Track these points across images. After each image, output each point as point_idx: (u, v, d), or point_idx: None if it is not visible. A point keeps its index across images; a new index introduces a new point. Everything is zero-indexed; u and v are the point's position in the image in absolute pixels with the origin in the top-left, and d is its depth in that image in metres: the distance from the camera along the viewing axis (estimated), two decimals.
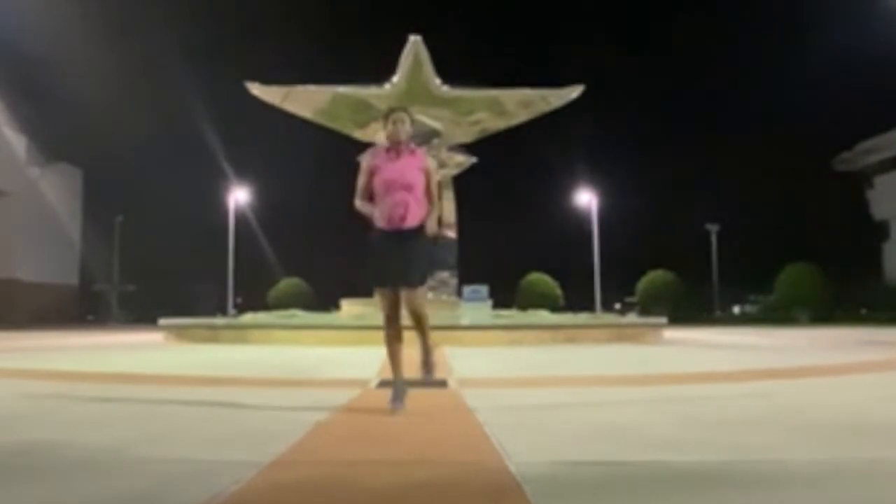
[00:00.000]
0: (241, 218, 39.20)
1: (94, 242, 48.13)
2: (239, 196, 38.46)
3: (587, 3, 71.83)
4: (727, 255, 45.04)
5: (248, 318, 16.95)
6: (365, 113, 18.74)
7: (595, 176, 43.02)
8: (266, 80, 19.25)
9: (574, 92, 19.40)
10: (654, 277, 42.53)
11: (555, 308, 30.61)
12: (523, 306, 26.82)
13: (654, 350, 11.38)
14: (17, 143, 43.36)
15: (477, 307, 18.65)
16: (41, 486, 2.42)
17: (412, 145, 4.19)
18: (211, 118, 43.49)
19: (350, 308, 16.13)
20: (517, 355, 9.55)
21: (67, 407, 4.49)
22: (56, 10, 35.69)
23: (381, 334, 4.18)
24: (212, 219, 39.88)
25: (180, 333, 14.63)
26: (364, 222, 4.16)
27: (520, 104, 19.65)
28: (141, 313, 42.05)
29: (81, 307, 50.36)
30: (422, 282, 4.06)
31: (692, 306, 41.44)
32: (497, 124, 20.13)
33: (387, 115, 4.21)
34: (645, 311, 37.34)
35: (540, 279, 43.04)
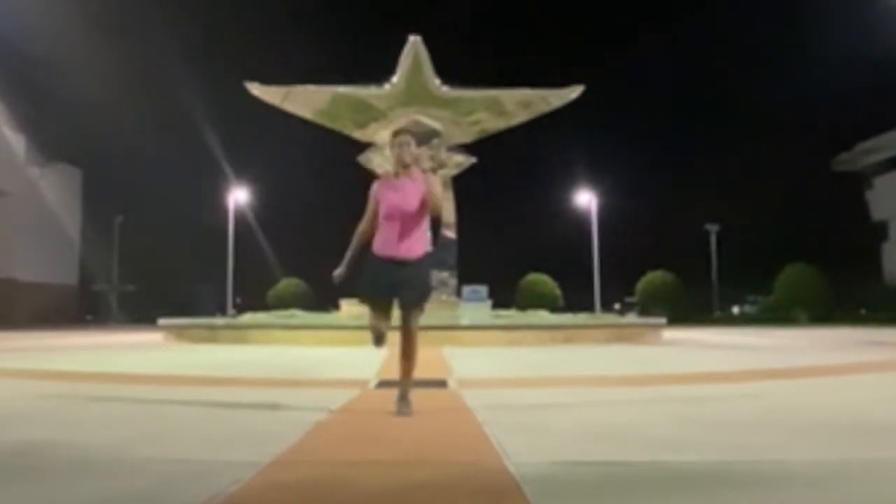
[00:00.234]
0: (240, 218, 39.24)
1: (93, 242, 48.08)
2: (238, 196, 38.45)
3: (587, 3, 71.84)
4: (727, 255, 45.10)
5: (248, 318, 16.95)
6: (365, 113, 18.74)
7: (595, 176, 43.04)
8: (266, 81, 19.25)
9: (574, 92, 19.39)
10: (654, 278, 42.54)
11: (554, 308, 30.60)
12: (523, 306, 26.84)
13: (654, 350, 11.38)
14: (17, 142, 43.32)
15: (476, 307, 18.68)
16: (41, 486, 2.42)
17: (416, 171, 4.13)
18: (211, 118, 43.50)
19: (349, 308, 16.12)
20: (516, 355, 9.55)
21: (67, 407, 4.49)
22: (56, 10, 35.69)
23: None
24: (211, 219, 39.91)
25: (180, 333, 14.63)
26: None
27: (519, 104, 19.65)
28: (140, 313, 41.99)
29: (81, 307, 50.30)
30: (420, 300, 4.04)
31: (692, 306, 41.45)
32: (497, 124, 20.12)
33: (392, 137, 4.19)
34: (644, 311, 37.35)
35: (539, 279, 43.04)
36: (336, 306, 17.94)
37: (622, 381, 6.14)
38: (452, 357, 8.71)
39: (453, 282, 19.77)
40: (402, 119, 18.31)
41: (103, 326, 36.82)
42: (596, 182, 40.31)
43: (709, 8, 65.56)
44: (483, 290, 21.57)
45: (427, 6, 54.85)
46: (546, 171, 60.24)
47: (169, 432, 3.47)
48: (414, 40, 17.68)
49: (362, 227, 4.18)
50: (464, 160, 21.10)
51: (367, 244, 4.14)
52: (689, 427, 3.55)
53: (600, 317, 21.50)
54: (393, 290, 3.98)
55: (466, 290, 20.91)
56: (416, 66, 17.84)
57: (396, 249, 4.00)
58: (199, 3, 47.76)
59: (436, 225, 4.15)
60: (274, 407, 4.32)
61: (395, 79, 18.21)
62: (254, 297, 40.39)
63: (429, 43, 17.83)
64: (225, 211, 37.55)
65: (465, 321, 14.20)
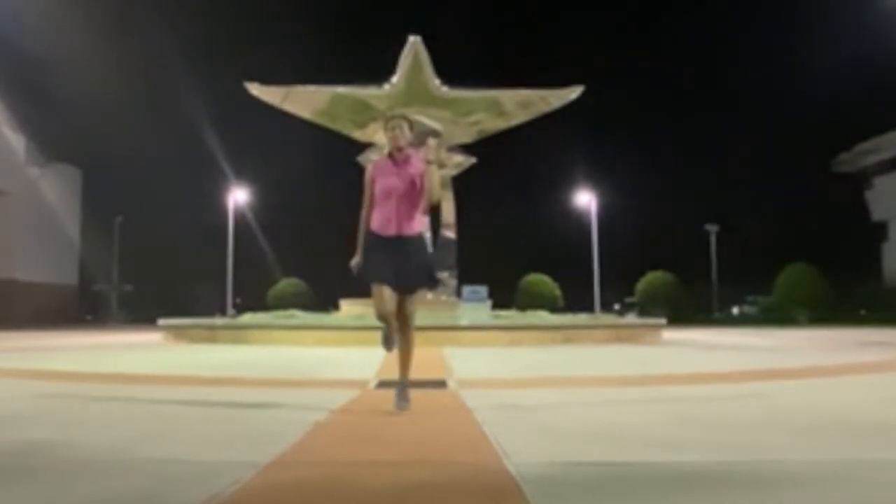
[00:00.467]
0: (240, 218, 39.21)
1: (93, 242, 48.06)
2: (238, 196, 38.45)
3: (587, 3, 71.87)
4: (726, 255, 45.10)
5: (248, 318, 16.95)
6: (364, 113, 18.74)
7: (594, 176, 43.05)
8: (266, 81, 19.25)
9: (573, 93, 19.40)
10: (654, 278, 42.53)
11: (554, 308, 30.59)
12: (522, 307, 26.84)
13: (654, 351, 11.38)
14: (17, 142, 43.31)
15: (476, 307, 18.66)
16: (41, 486, 2.42)
17: (409, 151, 4.20)
18: (210, 118, 43.51)
19: (349, 308, 16.13)
20: (516, 356, 9.55)
21: (67, 407, 4.49)
22: (56, 10, 35.69)
23: (379, 335, 4.16)
24: (211, 219, 39.90)
25: (179, 333, 14.62)
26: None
27: (519, 105, 19.65)
28: (140, 313, 42.02)
29: (80, 307, 50.31)
30: (419, 285, 4.09)
31: (691, 307, 41.43)
32: (496, 125, 20.12)
33: (385, 122, 4.26)
34: (644, 311, 37.35)
35: (539, 280, 43.03)
36: (336, 306, 17.94)
37: (622, 382, 6.14)
38: (452, 357, 8.71)
39: (453, 282, 19.78)
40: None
41: (103, 326, 36.81)
42: (596, 182, 40.37)
43: (709, 8, 65.59)
44: (483, 290, 21.55)
45: (427, 6, 54.87)
46: (546, 172, 60.22)
47: (168, 432, 3.47)
48: (414, 40, 17.69)
49: (365, 212, 4.21)
50: (464, 160, 21.11)
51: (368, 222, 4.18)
52: (688, 427, 3.55)
53: (600, 317, 21.50)
54: (397, 276, 3.99)
55: (466, 290, 20.88)
56: (415, 66, 17.85)
57: (395, 226, 4.05)
58: (199, 3, 47.76)
59: (434, 215, 4.19)
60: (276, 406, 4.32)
61: (394, 79, 18.22)
62: (254, 297, 40.38)
63: (428, 43, 17.84)
64: (225, 211, 37.56)
65: (464, 321, 14.19)
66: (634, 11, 68.64)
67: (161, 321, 15.55)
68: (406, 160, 4.16)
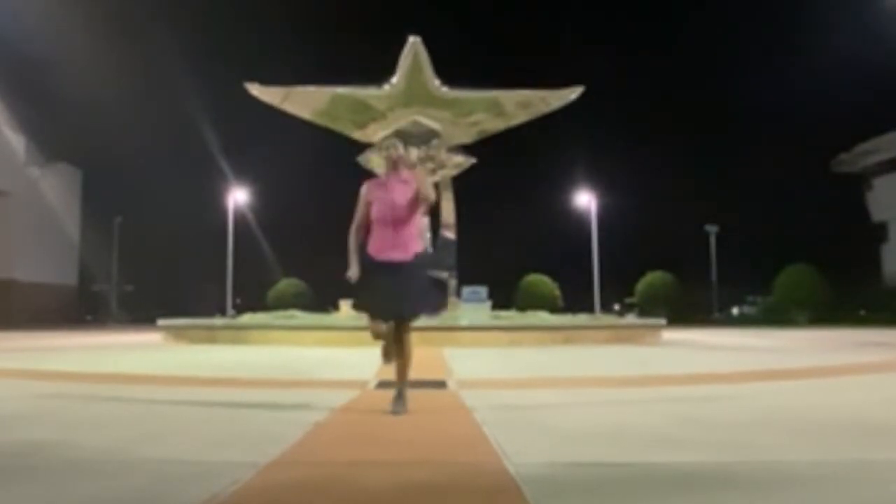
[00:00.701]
0: (240, 218, 39.21)
1: (93, 243, 48.04)
2: (238, 196, 38.44)
3: (587, 3, 71.90)
4: (726, 256, 45.10)
5: (247, 318, 16.95)
6: (364, 114, 18.73)
7: (594, 177, 43.01)
8: (266, 81, 19.25)
9: (573, 93, 19.39)
10: (653, 279, 42.52)
11: (554, 309, 30.58)
12: (522, 307, 26.83)
13: (653, 351, 11.38)
14: (17, 143, 43.30)
15: (476, 308, 18.66)
16: (41, 486, 2.42)
17: (405, 172, 4.16)
18: (210, 118, 43.52)
19: (349, 309, 16.11)
20: (516, 356, 9.55)
21: (67, 407, 4.49)
22: (56, 10, 35.70)
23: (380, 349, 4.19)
24: (211, 219, 39.90)
25: (179, 334, 14.62)
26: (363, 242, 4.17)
27: (519, 105, 19.64)
28: (140, 314, 42.02)
29: (80, 307, 50.28)
30: (417, 312, 4.06)
31: (691, 307, 41.43)
32: (496, 125, 20.11)
33: (380, 144, 4.24)
34: (644, 312, 37.35)
35: (539, 280, 43.01)
36: (336, 307, 17.94)
37: (622, 382, 6.14)
38: (452, 358, 8.71)
39: (453, 283, 19.75)
40: (402, 119, 18.35)
41: (103, 326, 36.81)
42: (595, 183, 40.37)
43: (709, 8, 65.60)
44: (483, 290, 21.54)
45: (427, 7, 54.89)
46: (546, 172, 60.20)
47: (168, 432, 3.47)
48: (413, 41, 17.68)
49: (355, 226, 4.19)
50: (463, 161, 21.10)
51: (363, 242, 4.15)
52: (688, 428, 3.55)
53: (600, 318, 21.50)
54: (387, 306, 3.96)
55: (466, 290, 20.88)
56: (415, 66, 17.84)
57: (391, 251, 4.02)
58: (199, 3, 47.77)
59: (433, 216, 4.18)
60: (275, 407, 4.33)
61: (394, 79, 18.21)
62: (253, 297, 40.34)
63: (428, 44, 17.84)
64: (225, 211, 37.56)
65: (464, 322, 14.20)
66: (635, 12, 68.65)
67: (161, 321, 15.55)
68: (402, 182, 4.12)
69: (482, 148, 21.20)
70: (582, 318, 17.41)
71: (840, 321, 33.09)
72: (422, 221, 4.22)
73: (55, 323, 36.45)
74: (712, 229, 44.88)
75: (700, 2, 66.50)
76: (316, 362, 8.51)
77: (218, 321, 17.72)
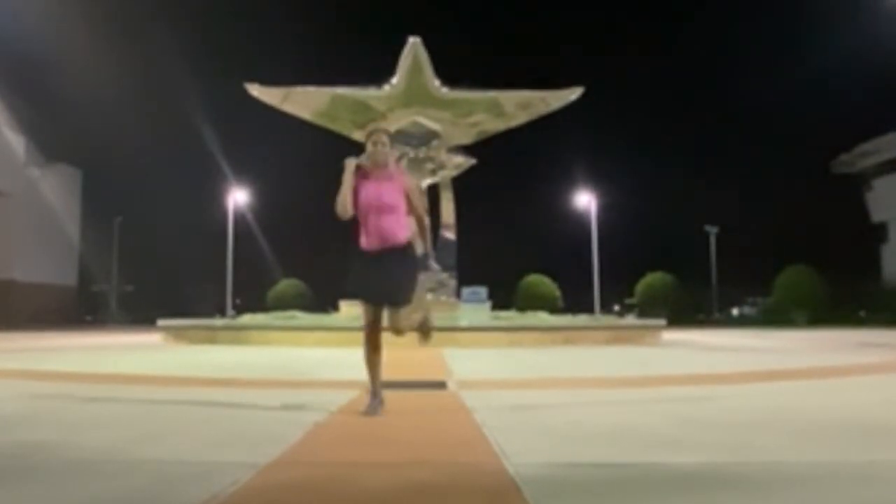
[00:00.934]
0: (240, 219, 39.20)
1: (93, 243, 48.03)
2: (238, 197, 38.42)
3: (587, 4, 71.93)
4: (726, 256, 45.10)
5: (247, 319, 16.95)
6: (364, 114, 18.74)
7: (594, 177, 43.05)
8: (266, 81, 19.26)
9: (573, 94, 19.42)
10: (653, 279, 42.53)
11: (553, 309, 30.58)
12: (522, 308, 26.84)
13: (653, 352, 11.38)
14: (17, 143, 43.29)
15: (476, 308, 18.69)
16: (40, 487, 2.42)
17: (391, 167, 4.16)
18: (210, 119, 43.54)
19: (349, 309, 16.11)
20: (516, 357, 9.55)
21: (66, 407, 4.49)
22: (56, 10, 35.70)
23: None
24: (211, 220, 39.90)
25: (179, 334, 14.62)
26: (351, 230, 4.16)
27: (519, 106, 19.66)
28: (140, 314, 42.00)
29: (80, 308, 50.28)
30: (406, 301, 4.06)
31: (691, 308, 41.44)
32: (496, 126, 20.13)
33: (368, 135, 4.20)
34: (644, 312, 37.34)
35: (539, 281, 43.01)
36: (336, 307, 17.93)
37: (622, 383, 6.14)
38: (452, 358, 8.71)
39: (453, 283, 19.78)
40: (402, 120, 18.36)
41: (103, 327, 36.80)
42: (596, 183, 40.37)
43: (709, 9, 65.65)
44: (483, 291, 21.57)
45: (427, 7, 54.90)
46: (546, 173, 60.29)
47: (168, 433, 3.47)
48: (413, 41, 17.70)
49: (340, 201, 4.05)
50: (463, 161, 21.13)
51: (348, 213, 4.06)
52: (688, 428, 3.55)
53: (600, 318, 21.50)
54: (380, 294, 3.99)
55: (466, 291, 20.91)
56: (415, 67, 17.86)
57: (379, 241, 4.02)
58: (200, 3, 47.78)
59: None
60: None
61: (394, 80, 18.23)
62: (253, 297, 40.36)
63: (428, 44, 17.86)
64: (224, 211, 37.54)
65: (464, 322, 14.20)
66: (635, 12, 68.70)
67: (161, 322, 15.55)
68: (386, 173, 4.12)
69: (482, 148, 21.23)
70: (582, 319, 17.41)
71: (840, 322, 33.09)
72: (410, 227, 4.20)
73: (55, 323, 36.44)
74: (712, 229, 44.88)
75: (700, 2, 66.53)
76: (316, 363, 8.50)
77: (218, 322, 17.72)
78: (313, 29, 57.11)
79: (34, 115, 41.63)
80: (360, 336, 4.16)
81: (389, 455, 2.96)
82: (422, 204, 4.20)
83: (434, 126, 19.07)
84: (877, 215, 48.31)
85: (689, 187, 53.42)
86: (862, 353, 11.21)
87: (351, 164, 4.12)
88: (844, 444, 3.21)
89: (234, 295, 37.85)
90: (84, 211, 50.22)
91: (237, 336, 13.69)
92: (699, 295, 44.05)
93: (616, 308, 48.73)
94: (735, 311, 55.65)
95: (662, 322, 16.48)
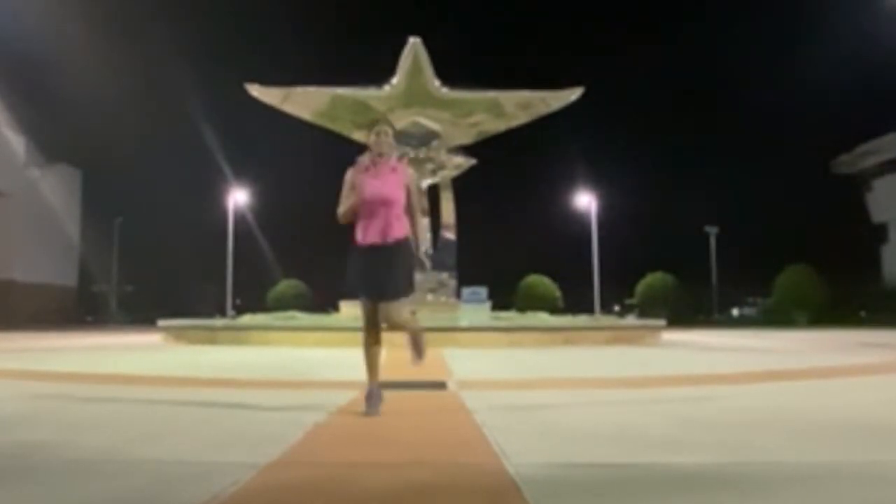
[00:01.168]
0: (240, 219, 39.20)
1: (93, 243, 48.04)
2: (238, 197, 38.42)
3: (587, 4, 71.94)
4: (726, 257, 45.13)
5: (247, 319, 16.95)
6: (364, 114, 18.73)
7: (594, 177, 43.07)
8: (266, 82, 19.27)
9: (573, 94, 19.42)
10: (653, 280, 42.54)
11: (554, 310, 30.59)
12: (522, 308, 26.85)
13: (653, 352, 11.38)
14: (17, 143, 43.29)
15: (476, 309, 18.68)
16: (40, 487, 2.42)
17: (394, 160, 4.18)
18: (211, 119, 43.56)
19: (349, 309, 16.10)
20: (516, 357, 9.54)
21: (66, 408, 4.49)
22: (56, 10, 35.71)
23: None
24: (211, 220, 39.91)
25: (179, 334, 14.62)
26: (351, 231, 4.17)
27: (519, 106, 19.67)
28: (140, 314, 42.00)
29: (80, 308, 50.28)
30: (401, 294, 4.04)
31: (691, 308, 41.45)
32: (496, 126, 20.13)
33: (370, 127, 4.22)
34: (644, 313, 37.35)
35: (539, 281, 43.03)
36: (336, 308, 17.93)
37: (622, 383, 6.14)
38: (452, 358, 8.71)
39: (453, 283, 19.77)
40: (402, 120, 18.35)
41: (103, 327, 36.79)
42: (596, 184, 40.38)
43: (709, 9, 65.69)
44: (483, 291, 21.56)
45: (427, 8, 54.90)
46: (546, 173, 60.30)
47: (168, 433, 3.47)
48: (414, 42, 17.71)
49: (342, 212, 4.14)
50: (463, 162, 21.12)
51: (350, 220, 4.12)
52: (688, 428, 3.55)
53: (600, 318, 21.51)
54: (376, 291, 3.99)
55: (466, 291, 20.90)
56: (415, 67, 17.87)
57: (377, 235, 4.03)
58: (200, 3, 47.79)
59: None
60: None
61: (394, 80, 18.24)
62: (253, 298, 40.36)
63: (428, 44, 17.86)
64: (225, 212, 37.54)
65: (464, 323, 14.19)
66: (635, 13, 68.69)
67: (161, 322, 15.55)
68: (388, 166, 4.13)
69: (482, 148, 21.22)
70: (582, 319, 17.41)
71: (840, 322, 33.08)
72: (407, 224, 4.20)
73: (55, 323, 36.43)
74: (712, 230, 44.89)
75: (701, 2, 66.54)
76: (316, 363, 8.50)
77: (218, 322, 17.72)
78: (313, 29, 57.17)
79: (34, 115, 41.66)
80: (360, 336, 4.15)
81: (389, 455, 2.95)
82: (419, 201, 4.21)
83: (434, 126, 19.07)
84: (877, 216, 48.36)
85: (689, 187, 53.49)
86: (862, 353, 11.21)
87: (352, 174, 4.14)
88: (845, 444, 3.21)
89: (234, 295, 37.86)
90: (84, 211, 50.25)
91: (237, 336, 13.68)
92: (699, 295, 44.06)
93: (616, 308, 48.75)
94: (735, 312, 55.67)
95: (662, 322, 16.49)
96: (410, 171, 4.29)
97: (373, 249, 4.03)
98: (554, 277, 43.37)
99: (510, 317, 17.86)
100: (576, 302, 39.14)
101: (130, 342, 15.77)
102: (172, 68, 55.37)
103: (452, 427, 3.71)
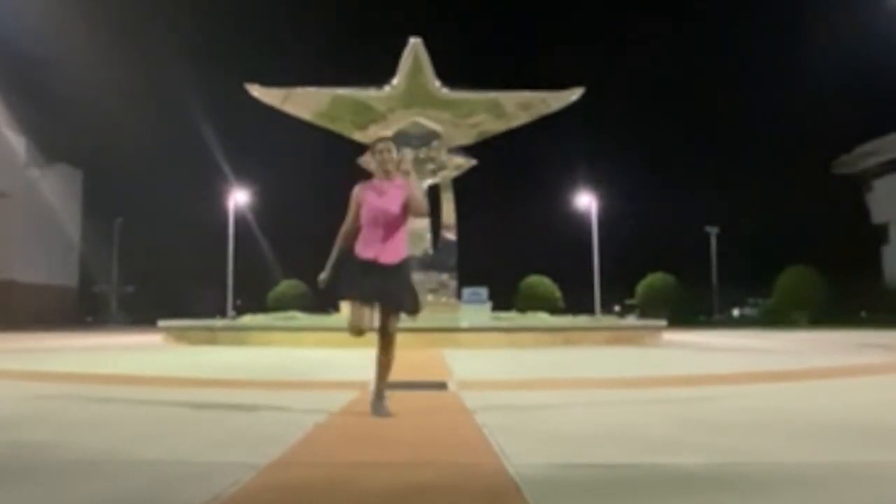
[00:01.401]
0: (240, 219, 39.17)
1: (93, 244, 48.02)
2: (238, 198, 38.40)
3: (587, 4, 71.97)
4: (726, 257, 45.08)
5: (248, 319, 16.95)
6: (365, 115, 18.76)
7: (595, 178, 43.03)
8: (266, 82, 19.26)
9: (574, 94, 19.41)
10: (654, 280, 42.50)
11: (554, 310, 30.54)
12: (523, 308, 26.81)
13: (654, 352, 11.38)
14: (17, 143, 43.29)
15: (476, 309, 18.65)
16: (40, 487, 2.42)
17: (398, 177, 4.15)
18: (211, 119, 43.54)
19: (349, 309, 16.10)
20: (516, 357, 9.54)
21: (66, 408, 4.49)
22: (56, 10, 35.73)
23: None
24: (211, 220, 39.86)
25: (179, 335, 14.62)
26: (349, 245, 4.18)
27: (519, 106, 19.66)
28: (140, 315, 41.98)
29: (81, 309, 50.26)
30: (402, 307, 4.05)
31: (691, 309, 41.40)
32: (497, 126, 20.13)
33: (373, 145, 4.22)
34: (644, 313, 37.34)
35: (539, 281, 42.99)
36: (336, 308, 17.92)
37: (622, 384, 6.13)
38: (452, 359, 8.71)
39: (453, 284, 19.76)
40: (402, 121, 18.36)
41: (103, 328, 36.79)
42: (596, 184, 40.36)
43: (709, 10, 65.68)
44: (483, 291, 21.52)
45: (427, 8, 54.93)
46: (546, 173, 60.36)
47: (168, 433, 3.47)
48: (414, 42, 17.70)
49: (344, 229, 4.19)
50: (464, 162, 21.10)
51: (349, 249, 4.16)
52: (688, 429, 3.55)
53: (600, 319, 21.50)
54: (374, 295, 4.00)
55: (466, 291, 20.86)
56: (416, 67, 17.86)
57: (378, 253, 4.03)
58: (200, 3, 47.82)
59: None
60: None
61: (395, 81, 18.23)
62: (254, 298, 40.34)
63: (428, 45, 17.86)
64: (225, 212, 37.52)
65: (465, 323, 14.19)
66: (635, 13, 68.67)
67: (161, 323, 15.55)
68: (395, 187, 4.13)
69: (483, 149, 21.21)
70: (582, 320, 17.40)
71: (841, 323, 33.06)
72: (420, 225, 4.21)
73: (55, 324, 36.43)
74: (712, 230, 44.86)
75: (701, 3, 66.53)
76: (316, 363, 8.51)
77: (218, 322, 17.70)
78: (314, 29, 57.20)
79: (34, 115, 41.66)
80: (360, 337, 4.13)
81: (390, 455, 2.95)
82: (423, 202, 4.16)
83: (434, 127, 19.06)
84: (877, 216, 48.32)
85: (689, 187, 53.49)
86: (862, 353, 11.21)
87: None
88: (845, 444, 3.21)
89: (235, 296, 37.82)
90: (84, 211, 50.25)
91: (237, 337, 13.68)
92: (700, 295, 44.01)
93: (617, 309, 48.70)
94: (736, 312, 55.65)
95: (663, 323, 16.48)
96: (412, 177, 4.24)
97: (372, 266, 4.02)
98: (554, 278, 43.34)
99: (511, 317, 17.86)
100: (576, 302, 39.11)
101: (131, 343, 15.78)
102: (172, 68, 55.41)
103: (453, 427, 3.71)
